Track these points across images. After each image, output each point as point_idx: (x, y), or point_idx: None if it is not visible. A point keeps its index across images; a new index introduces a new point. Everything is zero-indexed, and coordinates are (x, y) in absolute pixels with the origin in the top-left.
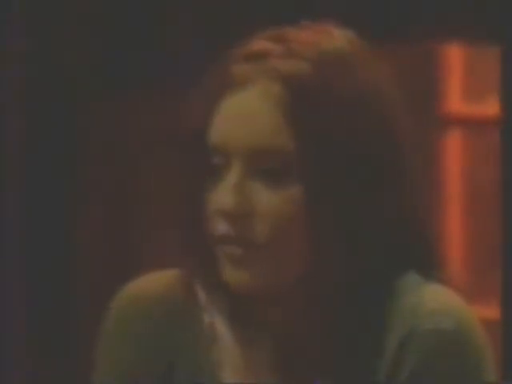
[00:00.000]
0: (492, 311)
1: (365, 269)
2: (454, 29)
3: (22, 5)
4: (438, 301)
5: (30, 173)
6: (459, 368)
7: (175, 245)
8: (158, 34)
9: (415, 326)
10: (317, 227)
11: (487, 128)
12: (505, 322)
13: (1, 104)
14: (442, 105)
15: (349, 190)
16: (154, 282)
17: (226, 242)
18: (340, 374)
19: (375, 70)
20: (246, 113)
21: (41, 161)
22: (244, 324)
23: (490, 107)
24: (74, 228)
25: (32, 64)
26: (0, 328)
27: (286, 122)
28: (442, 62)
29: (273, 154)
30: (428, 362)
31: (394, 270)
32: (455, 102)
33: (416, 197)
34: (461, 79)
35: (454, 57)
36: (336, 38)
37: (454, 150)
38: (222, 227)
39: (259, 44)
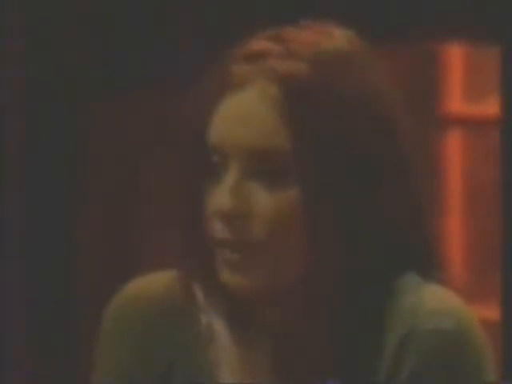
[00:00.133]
0: (492, 311)
1: (365, 269)
2: (453, 29)
3: (21, 5)
4: (437, 301)
5: (30, 173)
6: (459, 368)
7: (175, 245)
8: (158, 34)
9: (415, 326)
10: (316, 228)
11: (487, 128)
12: (505, 323)
13: (1, 104)
14: (442, 105)
15: (348, 190)
16: (152, 283)
17: (223, 244)
18: (340, 375)
19: (375, 70)
20: (244, 113)
21: (41, 161)
22: (243, 325)
23: (491, 107)
24: (74, 228)
25: (32, 64)
26: (0, 328)
27: (283, 122)
28: (442, 61)
29: (271, 155)
30: (428, 362)
31: (393, 270)
32: (455, 101)
33: (416, 197)
34: (461, 79)
35: (455, 57)
36: (336, 37)
37: (454, 150)
38: (219, 228)
39: (258, 44)
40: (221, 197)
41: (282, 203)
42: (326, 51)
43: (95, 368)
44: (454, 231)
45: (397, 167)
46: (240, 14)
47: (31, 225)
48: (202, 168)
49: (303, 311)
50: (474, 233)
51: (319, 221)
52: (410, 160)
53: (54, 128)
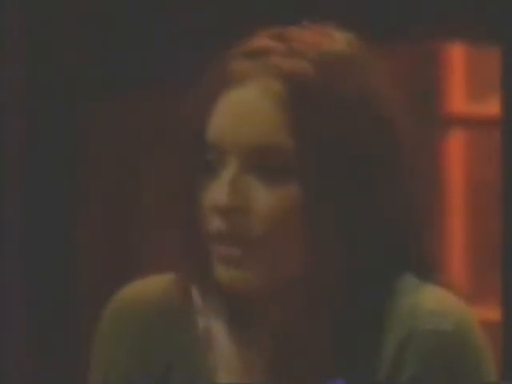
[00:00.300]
0: (492, 312)
1: (365, 269)
2: (454, 29)
3: (21, 5)
4: (436, 302)
5: (30, 173)
6: (458, 369)
7: (175, 245)
8: (158, 34)
9: (414, 327)
10: (316, 227)
11: (489, 128)
12: (505, 323)
13: (1, 104)
14: (444, 104)
15: (348, 189)
16: (150, 286)
17: (220, 239)
18: (339, 375)
19: (375, 72)
20: (245, 109)
21: (41, 161)
22: (242, 325)
23: (493, 107)
24: (74, 228)
25: (32, 64)
26: (0, 328)
27: (285, 119)
28: (444, 61)
29: (271, 152)
30: (427, 363)
31: (393, 271)
32: (457, 101)
33: (416, 197)
34: (463, 79)
35: (457, 56)
36: (337, 40)
37: (456, 149)
38: (216, 223)
39: (260, 41)
40: (218, 191)
41: (281, 199)
42: (329, 53)
43: (92, 370)
44: (455, 231)
45: (397, 167)
46: (240, 14)
47: (31, 225)
48: (201, 165)
49: (303, 311)
50: (476, 233)
51: (319, 220)
52: (410, 160)
53: (54, 128)
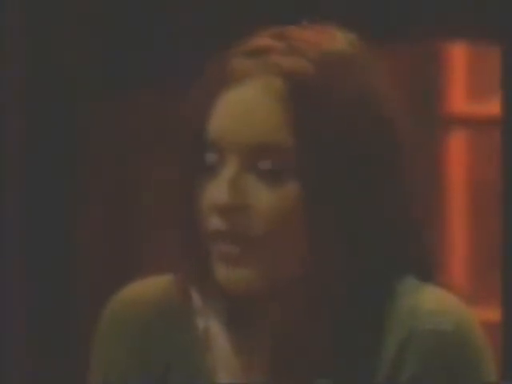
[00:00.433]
0: (493, 313)
1: (364, 269)
2: (454, 29)
3: (21, 5)
4: (436, 302)
5: (30, 173)
6: (458, 369)
7: (175, 245)
8: (158, 34)
9: (414, 327)
10: (315, 226)
11: (490, 127)
12: (505, 323)
13: (1, 104)
14: (444, 104)
15: (348, 189)
16: (149, 287)
17: (220, 238)
18: (339, 375)
19: (375, 72)
20: (245, 108)
21: (41, 161)
22: (242, 325)
23: (493, 107)
24: (74, 228)
25: (32, 64)
26: (0, 328)
27: (285, 118)
28: (444, 61)
29: (271, 150)
30: (427, 363)
31: (393, 271)
32: (458, 101)
33: (416, 197)
34: (464, 79)
35: (458, 56)
36: (337, 39)
37: (456, 149)
38: (215, 222)
39: (260, 40)
40: (218, 190)
41: (280, 199)
42: (329, 52)
43: (92, 370)
44: (456, 231)
45: (397, 167)
46: (240, 14)
47: (31, 225)
48: (201, 165)
49: (303, 311)
50: (477, 233)
51: (319, 220)
52: (410, 160)
53: (54, 128)
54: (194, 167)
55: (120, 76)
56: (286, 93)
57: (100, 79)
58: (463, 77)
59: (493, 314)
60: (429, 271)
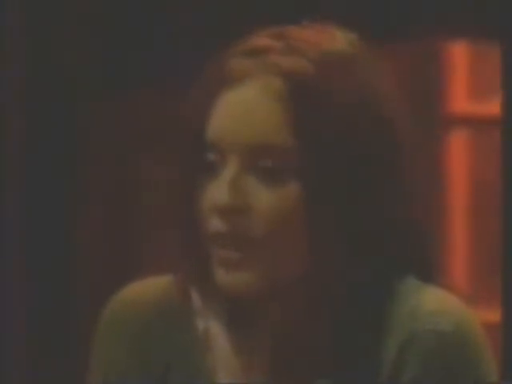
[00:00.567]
0: (494, 314)
1: (365, 269)
2: (454, 28)
3: (21, 5)
4: (436, 303)
5: (30, 173)
6: (458, 369)
7: (175, 245)
8: (158, 34)
9: (414, 328)
10: (316, 226)
11: (491, 127)
12: (505, 324)
13: (1, 104)
14: (445, 104)
15: (348, 189)
16: (149, 287)
17: (220, 241)
18: (340, 375)
19: (375, 72)
20: (244, 109)
21: (41, 161)
22: (242, 325)
23: (494, 106)
24: (74, 228)
25: (32, 64)
26: (0, 328)
27: (286, 118)
28: (445, 61)
29: (271, 151)
30: (427, 363)
31: (393, 271)
32: (459, 101)
33: (416, 197)
34: (465, 78)
35: (458, 56)
36: (337, 39)
37: (457, 149)
38: (216, 223)
39: (259, 40)
40: (218, 191)
41: (281, 199)
42: (328, 52)
43: (92, 370)
44: (457, 231)
45: (397, 167)
46: (240, 14)
47: (31, 225)
48: (201, 165)
49: (303, 311)
50: (477, 233)
51: (319, 220)
52: (410, 160)
53: (54, 128)
54: (194, 167)
55: (120, 76)
56: (286, 93)
57: (100, 79)
58: (464, 76)
59: (493, 314)
60: (429, 272)
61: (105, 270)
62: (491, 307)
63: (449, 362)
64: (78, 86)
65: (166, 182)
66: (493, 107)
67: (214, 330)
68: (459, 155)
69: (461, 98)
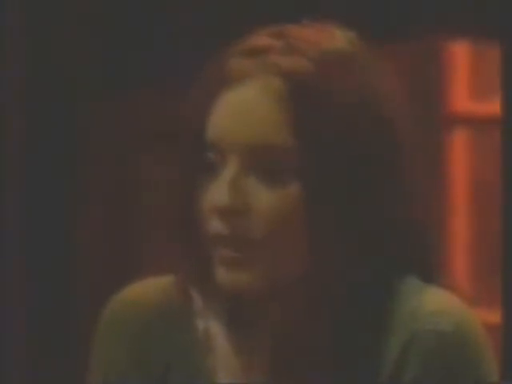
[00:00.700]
0: (495, 314)
1: (365, 269)
2: (454, 28)
3: (21, 5)
4: (437, 303)
5: (30, 173)
6: (459, 369)
7: (175, 245)
8: (158, 34)
9: (414, 328)
10: (316, 227)
11: (492, 127)
12: (506, 325)
13: (1, 104)
14: (446, 104)
15: (348, 189)
16: (150, 287)
17: (221, 242)
18: (340, 375)
19: (375, 71)
20: (244, 109)
21: (41, 161)
22: (242, 325)
23: (495, 106)
24: (74, 228)
25: (32, 64)
26: (0, 328)
27: (285, 118)
28: (446, 60)
29: (271, 151)
30: (428, 363)
31: (394, 271)
32: (460, 100)
33: (417, 197)
34: (467, 78)
35: (459, 55)
36: (337, 38)
37: (458, 149)
38: (216, 224)
39: (259, 39)
40: (218, 192)
41: (281, 199)
42: (328, 51)
43: (92, 370)
44: (458, 231)
45: (397, 167)
46: (240, 14)
47: (31, 225)
48: (201, 165)
49: (303, 311)
50: (478, 233)
51: (319, 220)
52: (410, 160)
53: (54, 128)
54: (194, 167)
55: (120, 76)
56: (286, 93)
57: (100, 79)
58: (465, 76)
59: (494, 315)
60: (430, 272)
61: (105, 270)
62: (491, 308)
63: (449, 362)
64: (78, 86)
65: (166, 182)
66: (493, 107)
67: (214, 330)
68: (459, 155)
69: (461, 98)
